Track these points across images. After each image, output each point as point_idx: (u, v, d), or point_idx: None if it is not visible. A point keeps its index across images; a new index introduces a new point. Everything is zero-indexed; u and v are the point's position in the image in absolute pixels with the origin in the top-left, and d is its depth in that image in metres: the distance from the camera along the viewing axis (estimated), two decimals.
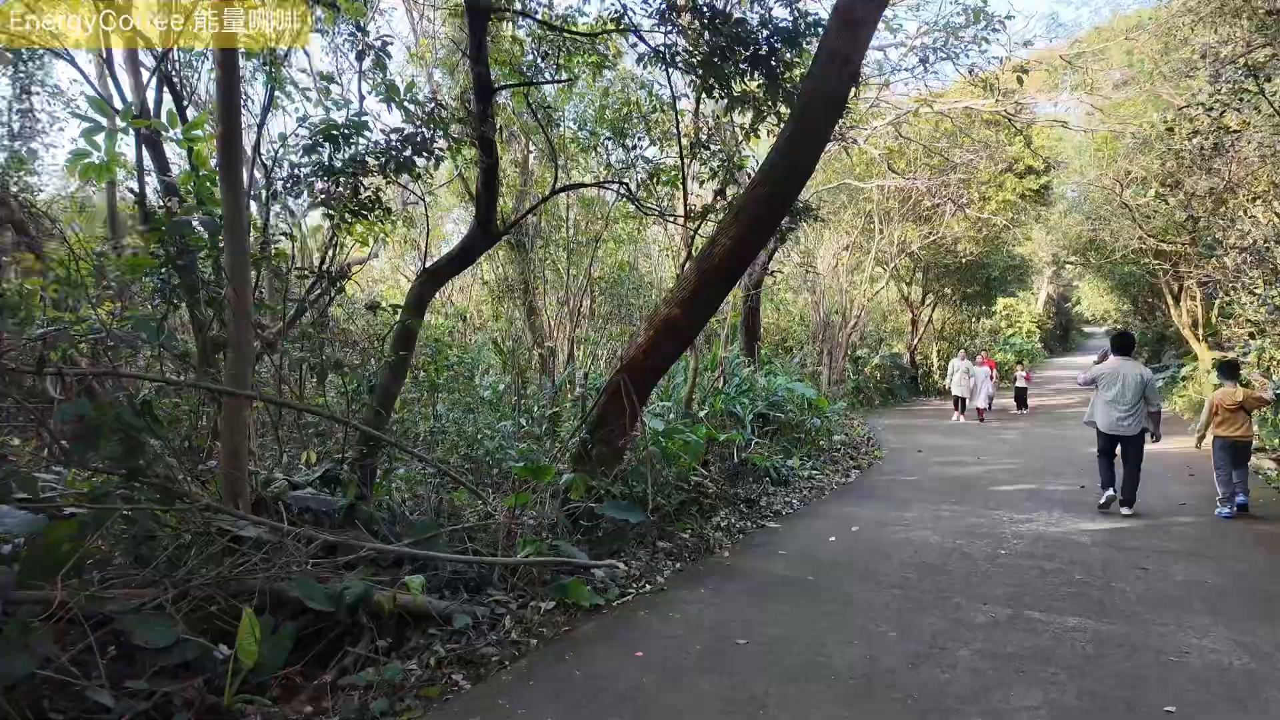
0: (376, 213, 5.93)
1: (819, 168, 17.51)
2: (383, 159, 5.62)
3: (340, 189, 5.59)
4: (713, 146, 7.57)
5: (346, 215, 5.74)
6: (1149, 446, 7.35)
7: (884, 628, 4.39)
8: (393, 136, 5.72)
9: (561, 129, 8.85)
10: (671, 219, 8.36)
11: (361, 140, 5.60)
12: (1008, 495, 8.43)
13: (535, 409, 8.81)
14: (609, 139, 8.62)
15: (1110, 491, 7.37)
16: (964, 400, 16.20)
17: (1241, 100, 9.56)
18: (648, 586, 5.08)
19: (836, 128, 8.09)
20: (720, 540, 6.32)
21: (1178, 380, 20.29)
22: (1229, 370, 7.57)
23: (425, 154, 5.78)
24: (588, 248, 12.42)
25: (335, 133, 5.44)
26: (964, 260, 19.26)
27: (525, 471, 5.41)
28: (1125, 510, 7.23)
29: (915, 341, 25.64)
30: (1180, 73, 12.14)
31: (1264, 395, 7.84)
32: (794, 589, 5.14)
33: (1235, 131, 10.44)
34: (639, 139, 8.66)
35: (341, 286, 6.54)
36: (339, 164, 5.51)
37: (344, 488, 4.93)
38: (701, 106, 8.51)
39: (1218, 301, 18.59)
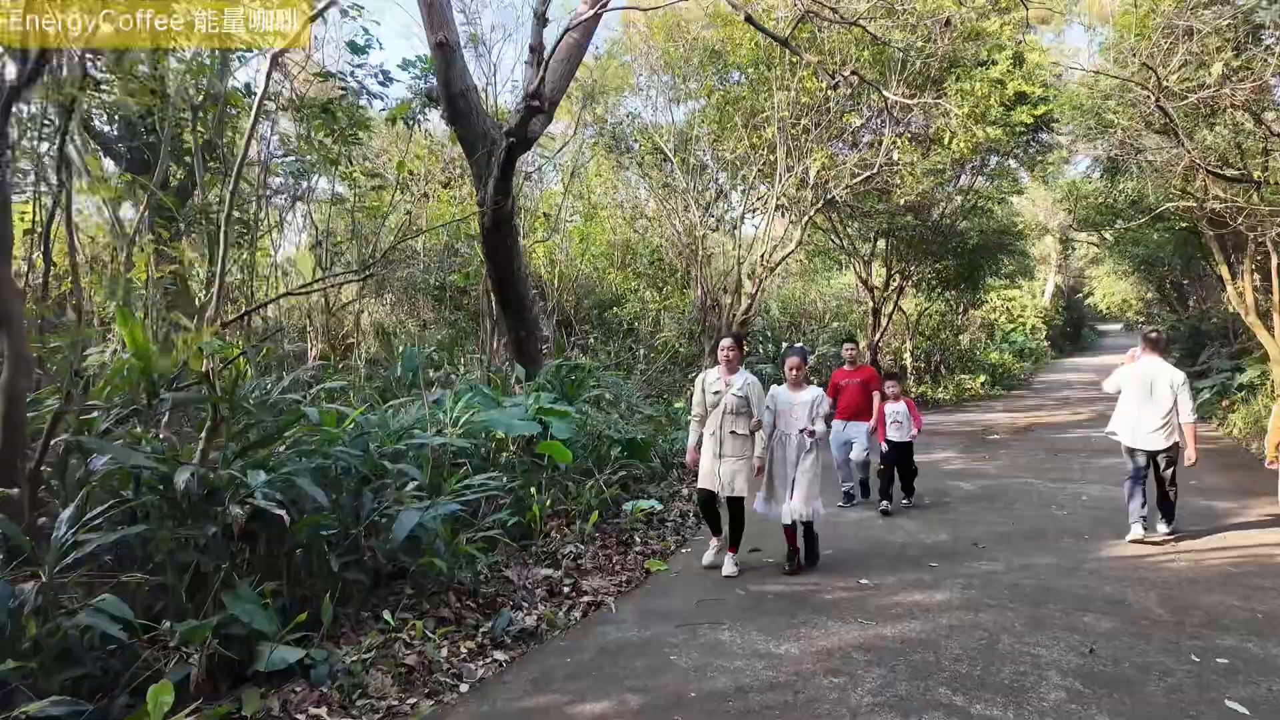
0: None
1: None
2: None
3: None
4: None
5: None
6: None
7: None
8: None
9: None
10: None
11: None
12: None
13: None
14: None
15: (1141, 528, 5.82)
16: (733, 502, 5.28)
17: None
18: None
19: None
20: None
21: (1231, 391, 13.95)
22: None
23: None
24: None
25: None
26: (903, 202, 12.86)
27: None
28: (1164, 528, 5.82)
29: (877, 338, 19.36)
30: None
31: None
32: None
33: None
34: None
35: None
36: None
37: None
38: None
39: None
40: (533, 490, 5.62)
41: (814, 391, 5.33)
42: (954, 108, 9.96)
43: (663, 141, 12.02)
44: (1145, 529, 5.85)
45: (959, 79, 10.93)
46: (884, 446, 7.17)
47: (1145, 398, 5.85)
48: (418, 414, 5.12)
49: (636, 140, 13.10)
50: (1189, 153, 10.79)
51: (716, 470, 5.13)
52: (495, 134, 7.06)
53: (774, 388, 5.45)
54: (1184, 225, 17.14)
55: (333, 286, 8.39)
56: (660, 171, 12.81)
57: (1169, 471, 5.89)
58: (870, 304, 19.46)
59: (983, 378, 22.18)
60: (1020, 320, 30.76)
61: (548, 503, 5.68)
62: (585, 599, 4.58)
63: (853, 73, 7.37)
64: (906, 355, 21.62)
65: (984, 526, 6.47)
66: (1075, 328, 41.31)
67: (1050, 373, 26.90)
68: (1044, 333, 31.75)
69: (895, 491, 7.21)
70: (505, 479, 5.16)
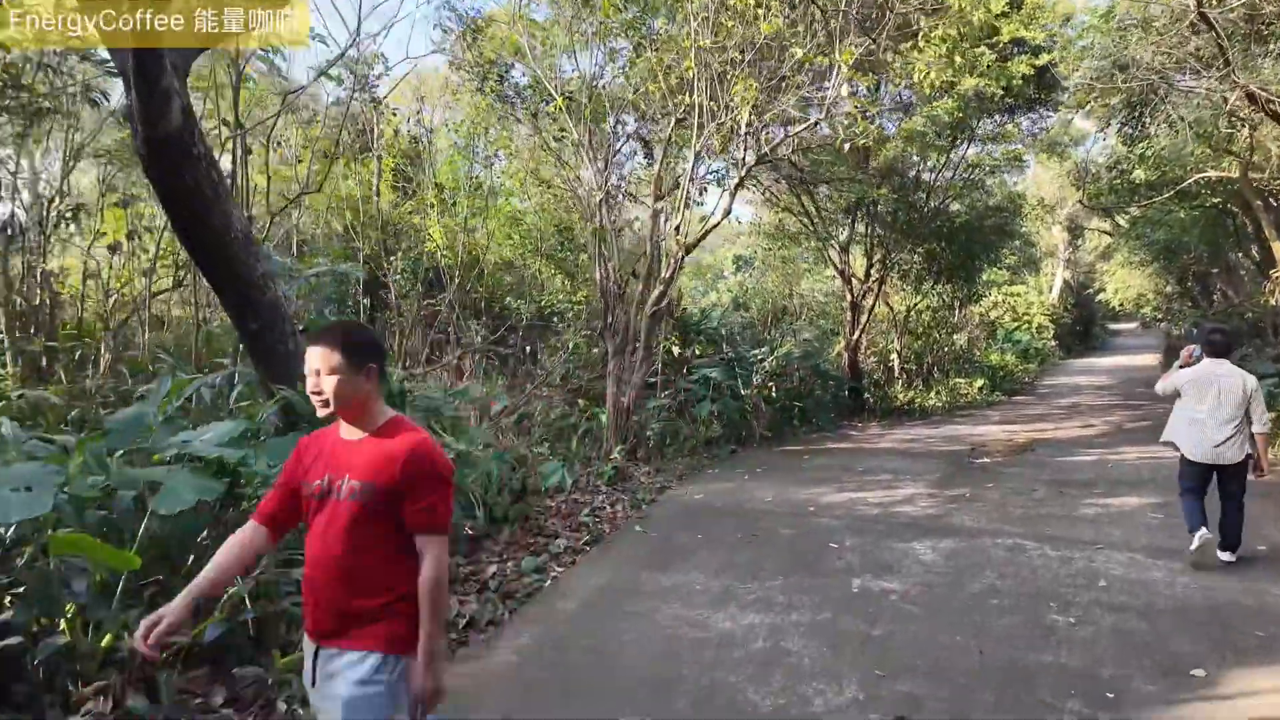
0: None
1: None
2: None
3: None
4: None
5: None
6: None
7: None
8: None
9: None
10: None
11: None
12: None
13: None
14: None
15: (1204, 532, 5.12)
16: None
17: None
18: None
19: None
20: None
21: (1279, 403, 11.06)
22: None
23: None
24: None
25: None
26: (855, 151, 9.99)
27: None
28: (1227, 556, 5.14)
29: (856, 337, 16.63)
30: None
31: None
32: None
33: None
34: None
35: None
36: None
37: None
38: None
39: None
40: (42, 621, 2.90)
41: None
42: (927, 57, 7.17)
43: (551, 85, 9.28)
44: (1207, 537, 5.10)
45: None
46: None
47: (1214, 405, 5.22)
48: None
49: (530, 89, 10.41)
50: (1239, 85, 7.97)
51: None
52: None
53: None
54: (1216, 201, 14.34)
55: None
56: (556, 124, 10.07)
57: (1236, 487, 5.23)
58: (848, 297, 16.74)
59: (980, 382, 19.41)
60: (1025, 318, 27.98)
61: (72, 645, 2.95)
62: None
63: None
64: (894, 356, 18.88)
65: (928, 657, 3.69)
66: (1085, 326, 38.42)
67: (1058, 375, 23.99)
68: (1051, 331, 28.90)
69: None
70: None
